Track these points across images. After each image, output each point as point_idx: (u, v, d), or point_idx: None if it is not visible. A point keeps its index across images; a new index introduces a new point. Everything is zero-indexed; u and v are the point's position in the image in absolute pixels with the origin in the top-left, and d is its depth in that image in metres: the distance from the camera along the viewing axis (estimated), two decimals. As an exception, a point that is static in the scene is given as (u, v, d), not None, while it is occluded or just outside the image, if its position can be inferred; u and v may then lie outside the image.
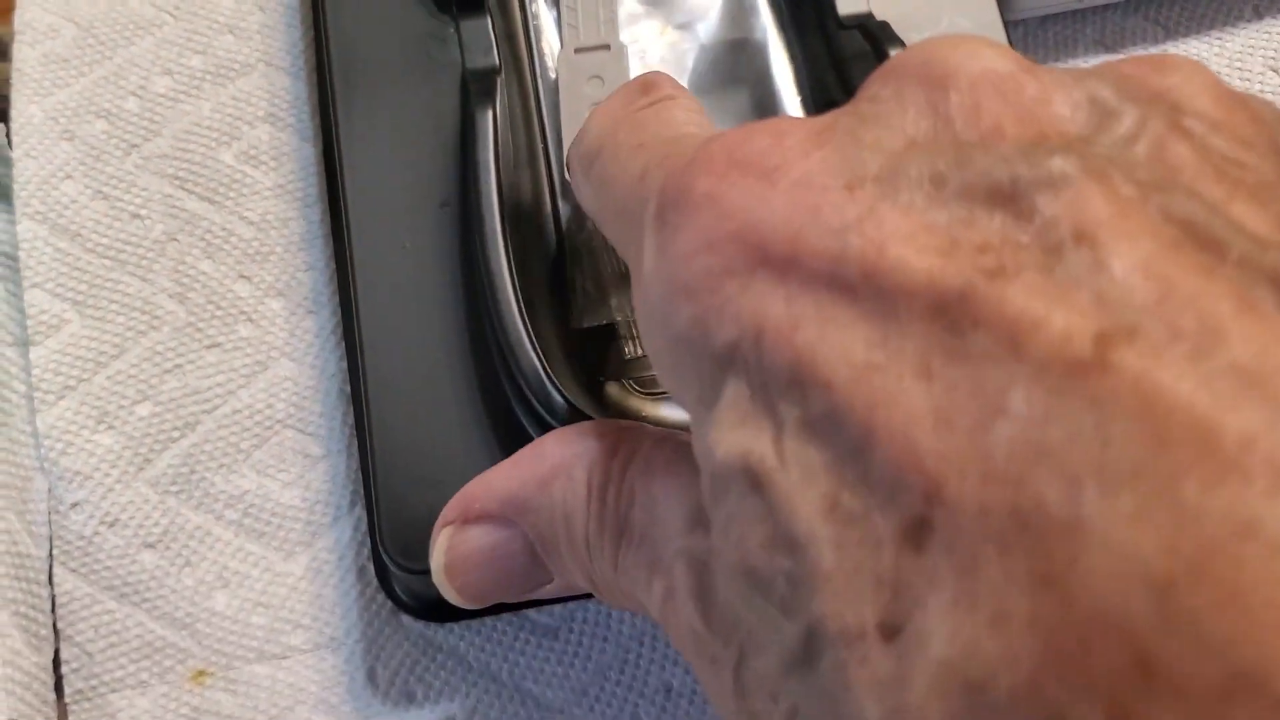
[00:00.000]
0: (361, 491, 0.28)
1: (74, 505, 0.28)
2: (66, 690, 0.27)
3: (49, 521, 0.28)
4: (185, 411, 0.29)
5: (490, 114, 0.26)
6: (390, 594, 0.27)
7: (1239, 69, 0.33)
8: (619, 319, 0.27)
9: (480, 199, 0.25)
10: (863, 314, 0.14)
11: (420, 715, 0.27)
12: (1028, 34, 0.33)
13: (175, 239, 0.30)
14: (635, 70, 0.29)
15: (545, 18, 0.29)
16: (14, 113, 0.31)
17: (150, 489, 0.28)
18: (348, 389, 0.29)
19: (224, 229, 0.31)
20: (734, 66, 0.29)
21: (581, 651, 0.27)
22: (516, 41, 0.29)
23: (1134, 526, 0.11)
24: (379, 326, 0.26)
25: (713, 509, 0.15)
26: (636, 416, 0.26)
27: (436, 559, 0.21)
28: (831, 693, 0.13)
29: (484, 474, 0.21)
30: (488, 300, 0.25)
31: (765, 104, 0.29)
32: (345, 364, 0.29)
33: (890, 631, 0.12)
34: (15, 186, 0.31)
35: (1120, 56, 0.32)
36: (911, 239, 0.14)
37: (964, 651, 0.12)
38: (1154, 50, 0.33)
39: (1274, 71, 0.32)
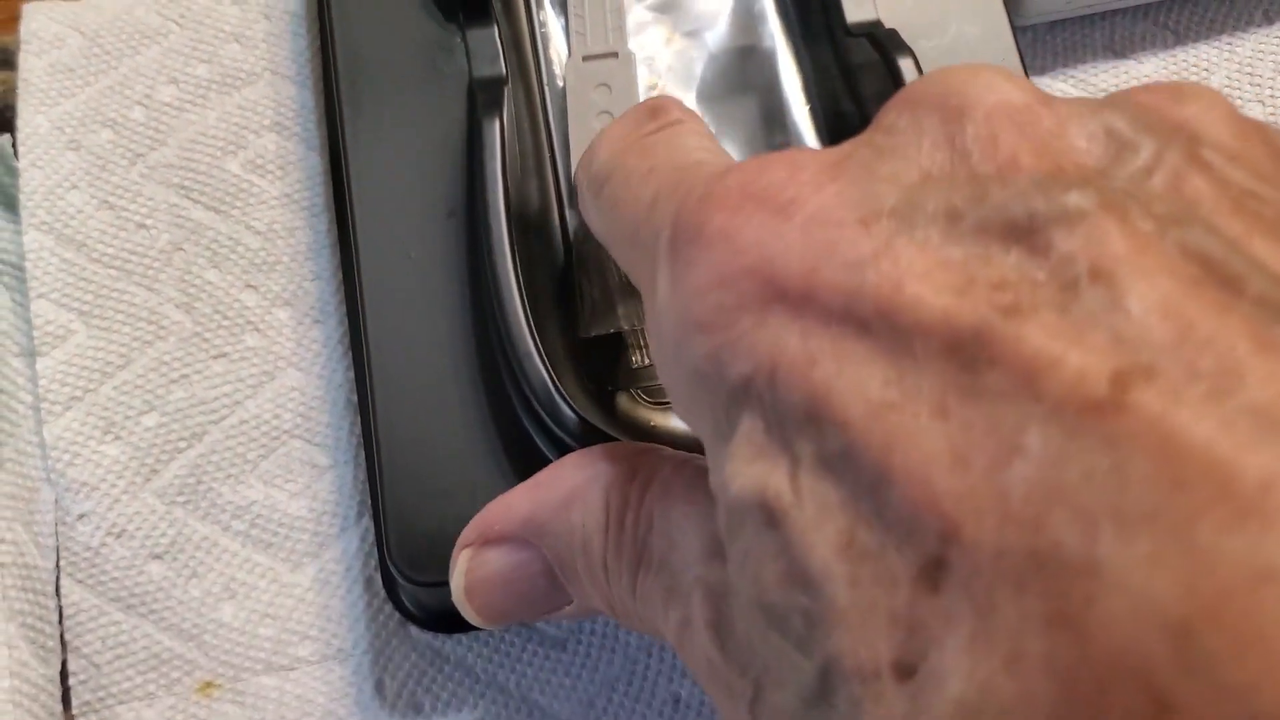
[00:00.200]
0: (369, 502, 0.28)
1: (81, 516, 0.28)
2: (74, 702, 0.27)
3: (56, 533, 0.28)
4: (192, 422, 0.29)
5: (497, 123, 0.26)
6: (398, 605, 0.27)
7: (1249, 74, 0.32)
8: (626, 328, 0.27)
9: (487, 209, 0.25)
10: (878, 351, 0.13)
11: (428, 727, 0.27)
12: (1036, 39, 0.33)
13: (181, 248, 0.30)
14: (643, 78, 0.29)
15: (553, 25, 0.29)
16: (20, 122, 0.31)
17: (157, 500, 0.28)
18: (355, 399, 0.29)
19: (230, 238, 0.30)
20: (742, 74, 0.29)
21: (589, 663, 0.27)
22: (523, 49, 0.29)
23: (1151, 569, 0.11)
24: (386, 336, 0.26)
25: (729, 542, 0.15)
26: (645, 427, 0.26)
27: (456, 580, 0.21)
28: None
29: (503, 496, 0.21)
30: (494, 310, 0.25)
31: (773, 112, 0.29)
32: (352, 374, 0.29)
33: (906, 671, 0.12)
34: (21, 197, 0.31)
35: (1130, 62, 0.32)
36: (927, 276, 0.13)
37: (980, 692, 0.12)
38: (1164, 56, 0.33)
39: (1284, 76, 0.32)
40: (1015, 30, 0.29)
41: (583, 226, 0.28)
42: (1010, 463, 0.12)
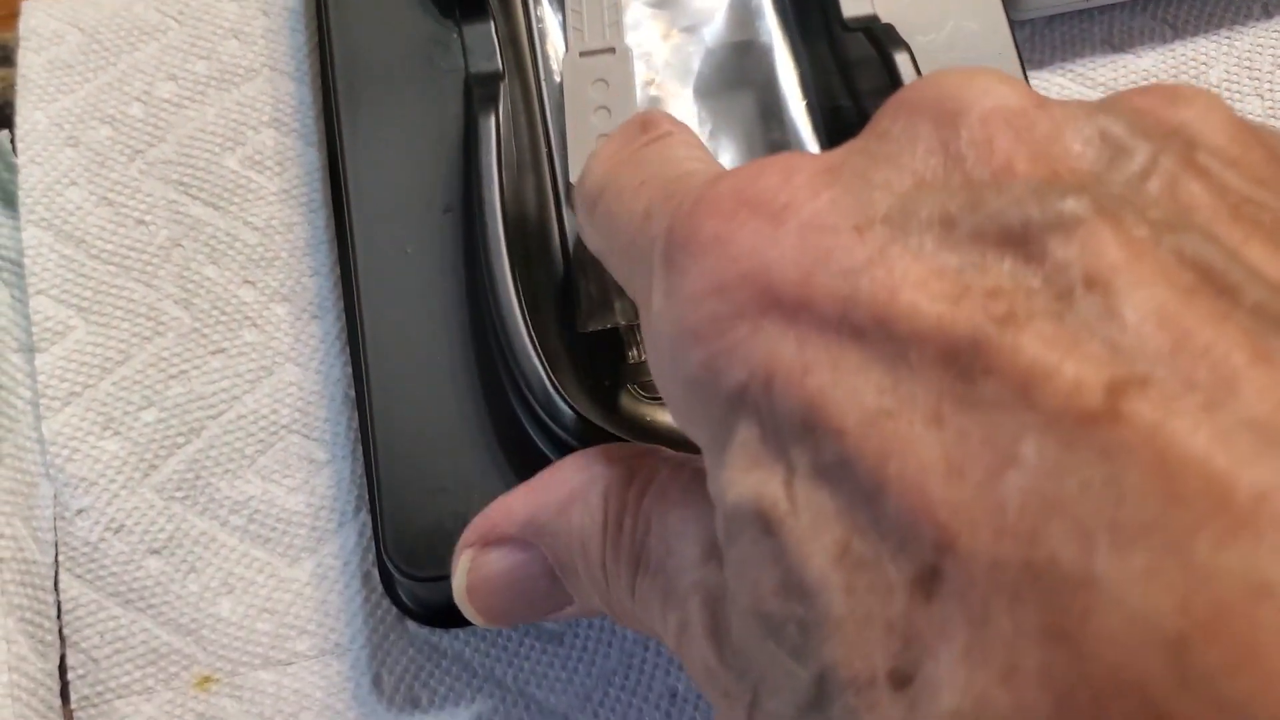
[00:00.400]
0: (366, 497, 0.28)
1: (80, 511, 0.28)
2: (72, 697, 0.27)
3: (55, 528, 0.28)
4: (190, 417, 0.29)
5: (493, 119, 0.26)
6: (395, 600, 0.27)
7: (1248, 68, 0.32)
8: (624, 323, 0.27)
9: (483, 205, 0.25)
10: (874, 359, 0.13)
11: (425, 721, 0.27)
12: (1035, 33, 0.33)
13: (180, 245, 0.30)
14: (640, 73, 0.29)
15: (550, 21, 0.29)
16: (19, 119, 0.31)
17: (155, 495, 0.28)
18: (353, 394, 0.29)
19: (229, 234, 0.31)
20: (739, 70, 0.29)
21: (586, 657, 0.27)
22: (520, 45, 0.29)
23: (1147, 584, 0.11)
24: (382, 332, 0.26)
25: (726, 549, 0.15)
26: (643, 422, 0.26)
27: (458, 581, 0.21)
28: None
29: (503, 497, 0.21)
30: (491, 306, 0.25)
31: (770, 107, 0.29)
32: (350, 369, 0.29)
33: (901, 680, 0.12)
34: (20, 193, 0.31)
35: (1128, 56, 0.32)
36: (922, 284, 0.13)
37: (975, 704, 0.12)
38: (1162, 50, 0.33)
39: (1283, 71, 0.32)
40: (1013, 25, 0.29)
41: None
42: (1006, 473, 0.12)
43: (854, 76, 0.27)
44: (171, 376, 0.29)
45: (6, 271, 0.31)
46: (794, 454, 0.14)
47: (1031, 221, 0.13)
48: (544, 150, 0.28)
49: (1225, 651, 0.10)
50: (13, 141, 0.31)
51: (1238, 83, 0.32)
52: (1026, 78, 0.28)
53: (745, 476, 0.15)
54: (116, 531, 0.28)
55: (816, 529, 0.14)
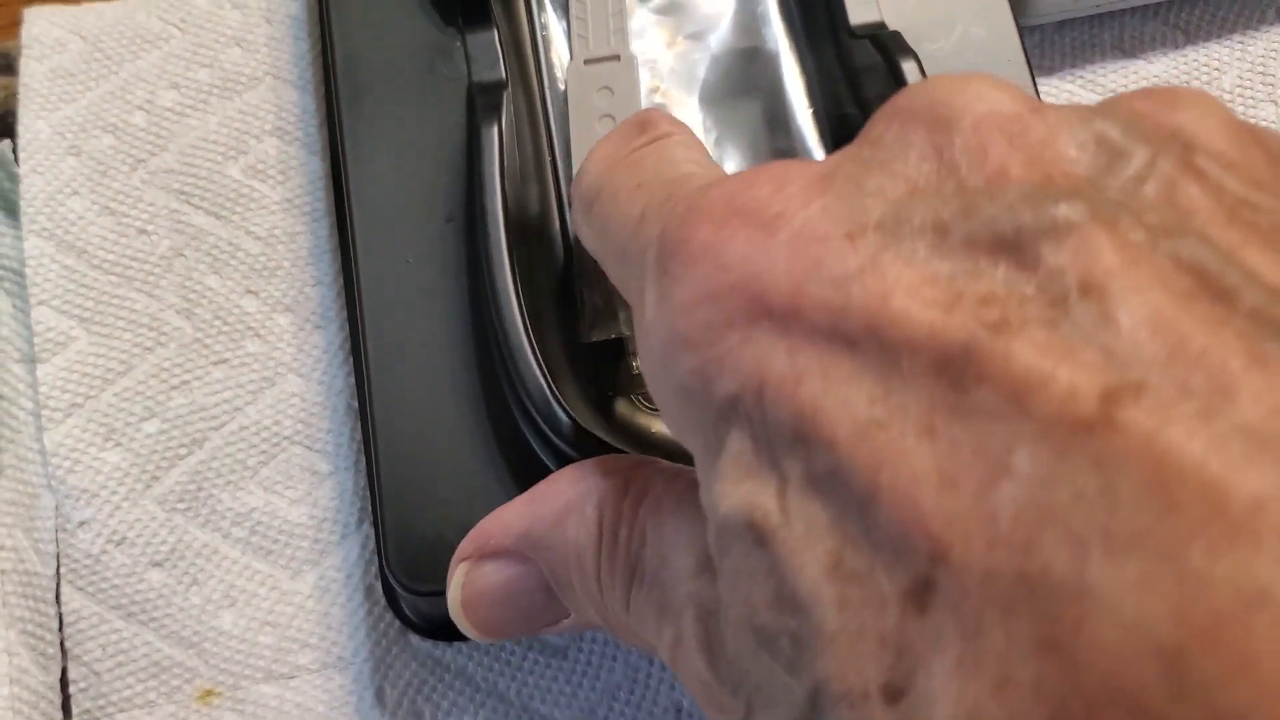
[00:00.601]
0: (369, 509, 0.28)
1: (81, 523, 0.28)
2: (74, 710, 0.27)
3: (56, 539, 0.28)
4: (192, 428, 0.29)
5: (496, 128, 0.26)
6: (398, 613, 0.27)
7: (1261, 73, 0.32)
8: (627, 333, 0.27)
9: (485, 214, 0.25)
10: (865, 368, 0.13)
11: (429, 736, 0.27)
12: (1044, 39, 0.32)
13: (182, 254, 0.30)
14: (645, 81, 0.28)
15: (555, 28, 0.29)
16: (21, 128, 0.31)
17: (158, 507, 0.28)
18: (355, 404, 0.29)
19: (231, 244, 0.30)
20: (745, 77, 0.29)
21: (590, 671, 0.27)
22: (524, 52, 0.29)
23: (1141, 593, 0.11)
24: (385, 342, 0.26)
25: (719, 561, 0.15)
26: (644, 433, 0.26)
27: (453, 594, 0.21)
28: None
29: (498, 510, 0.21)
30: (493, 316, 0.25)
31: (776, 115, 0.28)
32: (353, 379, 0.29)
33: (894, 694, 0.12)
34: (22, 203, 0.30)
35: (1139, 62, 0.32)
36: (914, 291, 0.13)
37: (969, 716, 0.11)
38: (1174, 55, 0.32)
39: (1297, 76, 0.32)
40: (1021, 31, 0.28)
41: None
42: (999, 483, 0.12)
43: (860, 84, 0.27)
44: (173, 387, 0.29)
45: (8, 281, 0.31)
46: (786, 465, 0.14)
47: (1024, 227, 0.13)
48: (547, 158, 0.28)
49: (1221, 661, 0.10)
50: (14, 150, 0.31)
51: (1251, 89, 0.32)
52: (1035, 84, 0.28)
53: (737, 487, 0.14)
54: (118, 544, 0.28)
55: (809, 541, 0.13)
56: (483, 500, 0.24)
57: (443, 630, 0.26)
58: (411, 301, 0.26)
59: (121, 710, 0.27)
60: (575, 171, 0.27)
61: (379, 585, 0.27)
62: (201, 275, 0.30)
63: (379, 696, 0.27)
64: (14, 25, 0.33)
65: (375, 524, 0.25)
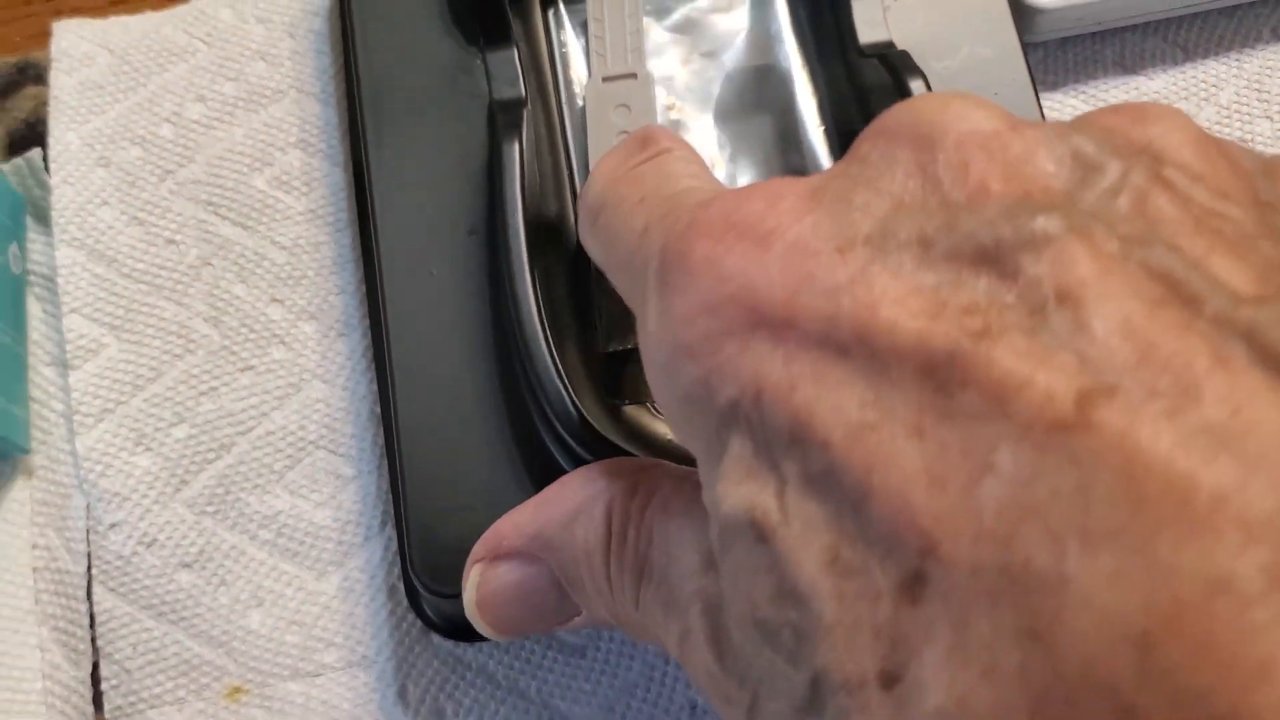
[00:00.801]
0: (392, 512, 0.29)
1: (113, 526, 0.29)
2: (106, 707, 0.28)
3: (87, 539, 0.29)
4: (220, 433, 0.30)
5: (516, 145, 0.27)
6: (420, 614, 0.28)
7: (1257, 89, 0.33)
8: (644, 343, 0.27)
9: (506, 228, 0.26)
10: (857, 374, 0.14)
11: (450, 732, 0.27)
12: (1047, 56, 0.33)
13: (209, 263, 0.31)
14: (661, 98, 0.29)
15: (573, 46, 0.30)
16: (51, 140, 0.32)
17: (187, 509, 0.29)
18: (378, 410, 0.30)
19: (257, 253, 0.31)
20: (758, 94, 0.29)
21: (608, 669, 0.28)
22: (543, 70, 0.30)
23: (1114, 584, 0.11)
24: (408, 352, 0.27)
25: (722, 558, 0.16)
26: (660, 440, 0.27)
27: (469, 594, 0.22)
28: None
29: (511, 512, 0.22)
30: (514, 327, 0.25)
31: (788, 132, 0.29)
32: (376, 386, 0.30)
33: (889, 681, 0.13)
34: (53, 213, 0.31)
35: (1140, 78, 0.33)
36: (901, 301, 0.14)
37: (958, 702, 0.12)
38: (1173, 72, 0.33)
39: (1293, 92, 0.33)
40: (1026, 48, 0.29)
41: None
42: (983, 481, 0.13)
43: (870, 102, 0.28)
44: (202, 393, 0.30)
45: (39, 286, 0.31)
46: (784, 466, 0.15)
47: (1004, 240, 0.14)
48: (565, 174, 0.29)
49: (1185, 646, 0.11)
50: (45, 160, 0.32)
51: (1247, 105, 0.33)
52: (1039, 100, 0.29)
53: (738, 488, 0.15)
54: (149, 546, 0.29)
55: (807, 538, 0.14)
56: (503, 504, 0.25)
57: (464, 631, 0.27)
58: (434, 311, 0.27)
59: (152, 707, 0.28)
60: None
61: (401, 586, 0.28)
62: (228, 284, 0.31)
63: (402, 694, 0.28)
64: (43, 35, 0.33)
65: (399, 527, 0.26)
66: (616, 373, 0.28)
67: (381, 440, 0.30)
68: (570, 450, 0.25)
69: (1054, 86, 0.33)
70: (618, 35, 0.29)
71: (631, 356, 0.28)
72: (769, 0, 0.30)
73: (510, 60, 0.28)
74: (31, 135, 0.33)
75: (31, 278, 0.31)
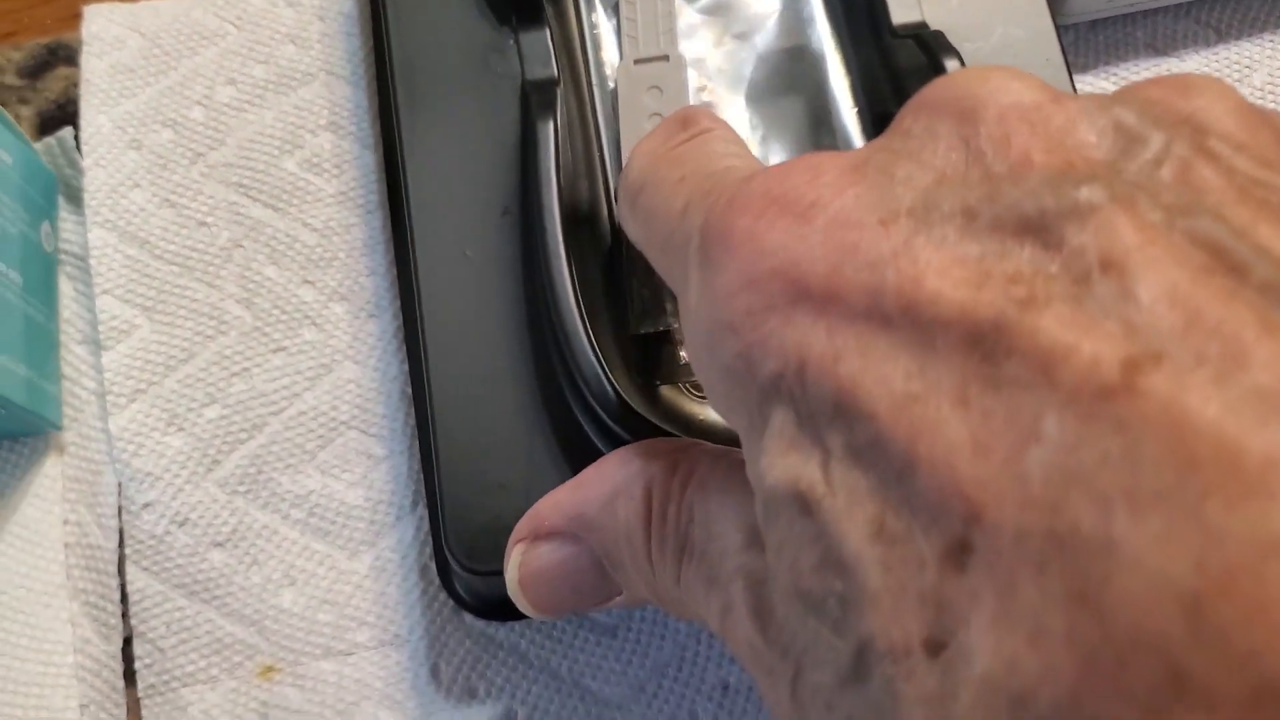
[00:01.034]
0: (424, 492, 0.29)
1: (146, 505, 0.29)
2: (139, 685, 0.28)
3: (120, 517, 0.29)
4: (252, 414, 0.30)
5: (551, 124, 0.27)
6: (452, 593, 0.28)
7: (1290, 72, 0.33)
8: (674, 325, 0.27)
9: (541, 208, 0.26)
10: (901, 345, 0.14)
11: (482, 710, 0.27)
12: (1079, 38, 0.33)
13: (241, 245, 0.31)
14: (693, 80, 0.29)
15: (604, 28, 0.30)
16: (83, 122, 0.32)
17: (219, 489, 0.29)
18: (409, 391, 0.30)
19: (288, 235, 0.31)
20: (790, 76, 0.29)
21: (639, 649, 0.28)
22: (574, 52, 0.30)
23: (1163, 547, 0.11)
24: (442, 332, 0.27)
25: (766, 532, 0.16)
26: (690, 419, 0.27)
27: (511, 573, 0.22)
28: (882, 707, 0.14)
29: (551, 493, 0.22)
30: (549, 305, 0.25)
31: (820, 113, 0.29)
32: (406, 367, 0.30)
33: (935, 648, 0.13)
34: (85, 195, 0.31)
35: (1171, 60, 0.33)
36: (946, 272, 0.14)
37: (1006, 666, 0.12)
38: (1206, 53, 0.33)
39: (1326, 74, 0.33)
40: (1059, 30, 0.29)
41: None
42: (1029, 448, 0.13)
43: (904, 83, 0.28)
44: (234, 374, 0.30)
45: (70, 265, 0.31)
46: (828, 438, 0.15)
47: (1048, 210, 0.14)
48: (597, 156, 0.29)
49: (1237, 607, 0.11)
50: (77, 140, 0.32)
51: (1256, 102, 0.33)
52: (1073, 82, 0.29)
53: (783, 460, 0.15)
54: (181, 525, 0.29)
55: (852, 508, 0.14)
56: (538, 483, 0.25)
57: (496, 610, 0.27)
58: (468, 291, 0.27)
59: (185, 685, 0.28)
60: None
61: (433, 566, 0.28)
62: (260, 266, 0.31)
63: (434, 673, 0.28)
64: (73, 18, 0.34)
65: (434, 506, 0.26)
66: (647, 354, 0.28)
67: (413, 421, 0.30)
68: (606, 429, 0.25)
69: (1085, 69, 0.33)
70: (649, 17, 0.29)
71: (662, 339, 0.28)
72: (800, -18, 0.30)
73: (543, 41, 0.28)
74: (62, 116, 0.33)
75: (62, 256, 0.32)
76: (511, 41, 0.29)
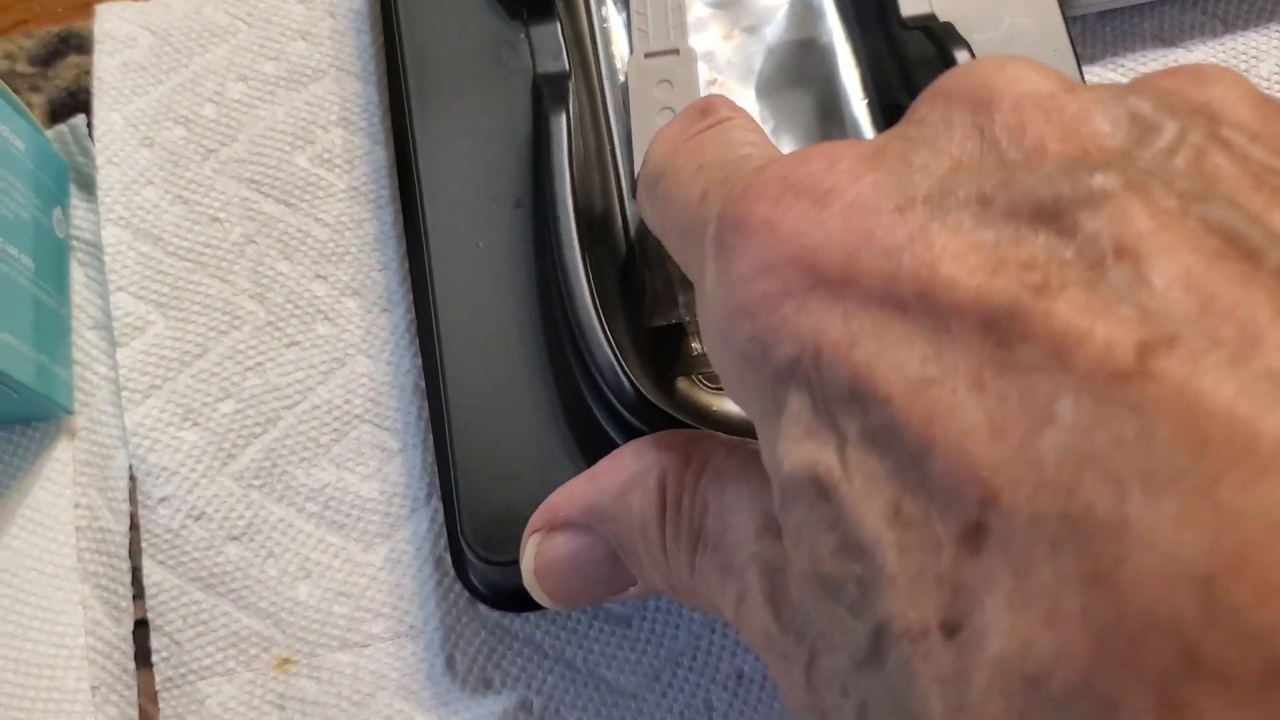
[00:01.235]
0: (437, 484, 0.29)
1: (162, 500, 0.29)
2: (157, 678, 0.28)
3: (129, 499, 0.29)
4: (266, 408, 0.30)
5: (564, 117, 0.27)
6: (467, 584, 0.28)
7: (1297, 62, 0.33)
8: (688, 318, 0.28)
9: (555, 200, 0.26)
10: (917, 330, 0.14)
11: (497, 701, 0.28)
12: (1086, 29, 0.33)
13: (253, 241, 0.31)
14: (703, 73, 0.29)
15: (614, 22, 0.30)
16: (96, 120, 0.32)
17: (234, 483, 0.29)
18: (422, 384, 0.30)
19: (300, 231, 0.31)
20: (800, 69, 0.30)
21: (654, 639, 0.28)
22: (584, 46, 0.30)
23: (1177, 527, 0.11)
24: (456, 324, 0.27)
25: (783, 517, 0.16)
26: (704, 411, 0.27)
27: (527, 564, 0.22)
28: (898, 688, 0.14)
29: (566, 484, 0.22)
30: (563, 297, 0.26)
31: (830, 106, 0.29)
32: (419, 360, 0.30)
33: (951, 629, 0.13)
34: (99, 193, 0.32)
35: (1179, 50, 0.33)
36: (961, 258, 0.14)
37: (1020, 647, 0.12)
38: (1213, 44, 0.33)
39: (1332, 64, 0.33)
40: (1068, 21, 0.29)
41: (643, 221, 0.29)
42: (1043, 431, 0.13)
43: (913, 74, 0.28)
44: (248, 369, 0.30)
45: (81, 252, 0.32)
46: (844, 422, 0.15)
47: (1062, 197, 0.14)
48: (608, 149, 0.29)
49: (1251, 587, 0.11)
50: (89, 128, 0.32)
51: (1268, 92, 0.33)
52: (1081, 72, 0.29)
53: (799, 446, 0.15)
54: (197, 519, 0.29)
55: (869, 491, 0.14)
56: (552, 473, 0.25)
57: (511, 601, 0.27)
58: (481, 283, 0.27)
59: (202, 678, 0.28)
60: (637, 163, 0.28)
61: (448, 558, 0.28)
62: (273, 261, 0.31)
63: (450, 664, 0.28)
64: (85, 6, 0.34)
65: (449, 498, 0.26)
66: (660, 347, 0.28)
67: (425, 415, 0.30)
68: (620, 420, 0.25)
69: (1093, 60, 0.33)
70: (659, 11, 0.29)
71: (675, 331, 0.28)
72: (808, -25, 0.30)
73: (554, 34, 0.28)
74: (73, 104, 0.33)
75: (74, 243, 0.32)
76: (523, 35, 0.29)
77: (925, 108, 0.16)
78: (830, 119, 0.29)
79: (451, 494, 0.26)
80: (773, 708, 0.27)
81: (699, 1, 0.30)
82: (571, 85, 0.28)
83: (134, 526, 0.29)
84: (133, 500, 0.29)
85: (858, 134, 0.29)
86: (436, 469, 0.29)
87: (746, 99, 0.29)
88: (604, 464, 0.22)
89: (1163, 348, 0.12)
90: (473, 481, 0.26)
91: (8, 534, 0.29)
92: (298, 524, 0.29)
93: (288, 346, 0.31)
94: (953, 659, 0.13)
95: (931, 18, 0.28)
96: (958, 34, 0.27)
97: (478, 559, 0.25)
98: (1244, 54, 0.33)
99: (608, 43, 0.30)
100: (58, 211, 0.31)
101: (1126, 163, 0.14)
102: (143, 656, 0.28)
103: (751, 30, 0.30)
